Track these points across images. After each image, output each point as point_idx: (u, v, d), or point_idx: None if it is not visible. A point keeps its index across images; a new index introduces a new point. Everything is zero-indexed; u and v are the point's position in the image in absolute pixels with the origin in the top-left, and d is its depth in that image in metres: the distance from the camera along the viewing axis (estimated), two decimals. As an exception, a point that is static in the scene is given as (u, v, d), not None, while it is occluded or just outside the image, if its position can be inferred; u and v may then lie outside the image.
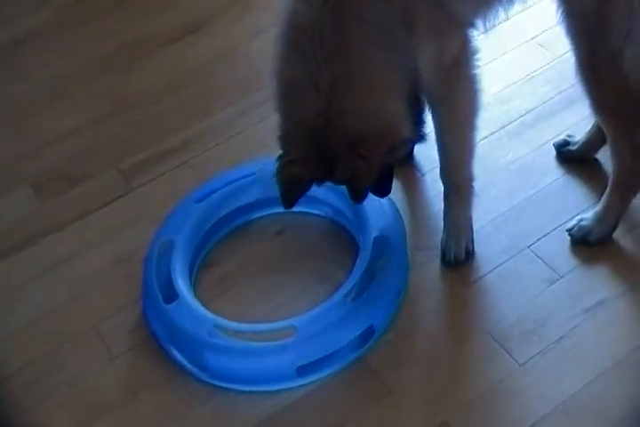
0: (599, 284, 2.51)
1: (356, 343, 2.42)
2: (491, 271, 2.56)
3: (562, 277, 2.52)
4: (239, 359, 2.40)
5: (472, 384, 2.36)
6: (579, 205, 2.67)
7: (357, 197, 2.26)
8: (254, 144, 2.96)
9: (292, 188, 2.27)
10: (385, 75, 2.18)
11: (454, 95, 2.41)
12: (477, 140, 2.52)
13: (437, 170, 2.57)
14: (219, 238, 2.74)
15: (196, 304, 2.47)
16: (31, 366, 2.51)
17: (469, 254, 2.59)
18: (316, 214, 2.77)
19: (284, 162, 2.23)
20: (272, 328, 2.42)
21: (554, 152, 2.81)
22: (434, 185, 2.57)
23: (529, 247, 2.60)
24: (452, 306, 2.54)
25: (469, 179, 2.55)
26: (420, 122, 2.45)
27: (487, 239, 2.63)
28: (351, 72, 2.12)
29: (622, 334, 2.40)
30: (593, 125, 2.70)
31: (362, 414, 2.32)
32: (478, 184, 2.57)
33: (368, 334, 2.43)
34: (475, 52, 2.37)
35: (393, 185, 2.46)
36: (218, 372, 2.41)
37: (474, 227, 2.61)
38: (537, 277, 2.54)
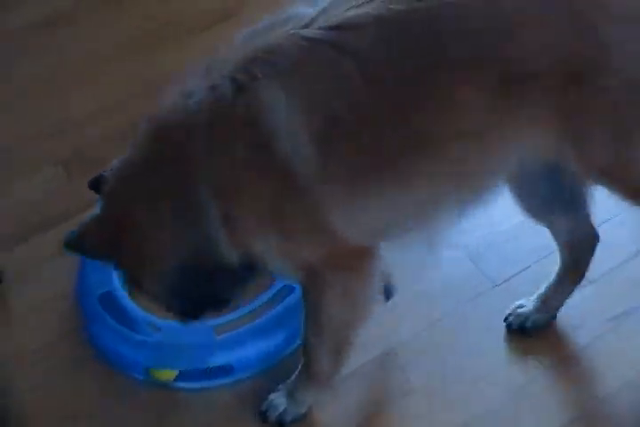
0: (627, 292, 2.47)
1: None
2: (519, 273, 2.54)
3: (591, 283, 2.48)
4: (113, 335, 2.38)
5: (495, 388, 2.33)
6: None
7: None
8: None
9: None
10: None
11: (322, 294, 2.01)
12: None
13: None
14: None
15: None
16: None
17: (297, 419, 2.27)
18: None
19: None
20: (139, 318, 2.40)
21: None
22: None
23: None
24: (476, 305, 2.51)
25: (330, 375, 2.20)
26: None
27: (519, 239, 2.60)
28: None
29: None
30: None
31: (385, 408, 2.33)
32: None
33: (226, 370, 2.33)
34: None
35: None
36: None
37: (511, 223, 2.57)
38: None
